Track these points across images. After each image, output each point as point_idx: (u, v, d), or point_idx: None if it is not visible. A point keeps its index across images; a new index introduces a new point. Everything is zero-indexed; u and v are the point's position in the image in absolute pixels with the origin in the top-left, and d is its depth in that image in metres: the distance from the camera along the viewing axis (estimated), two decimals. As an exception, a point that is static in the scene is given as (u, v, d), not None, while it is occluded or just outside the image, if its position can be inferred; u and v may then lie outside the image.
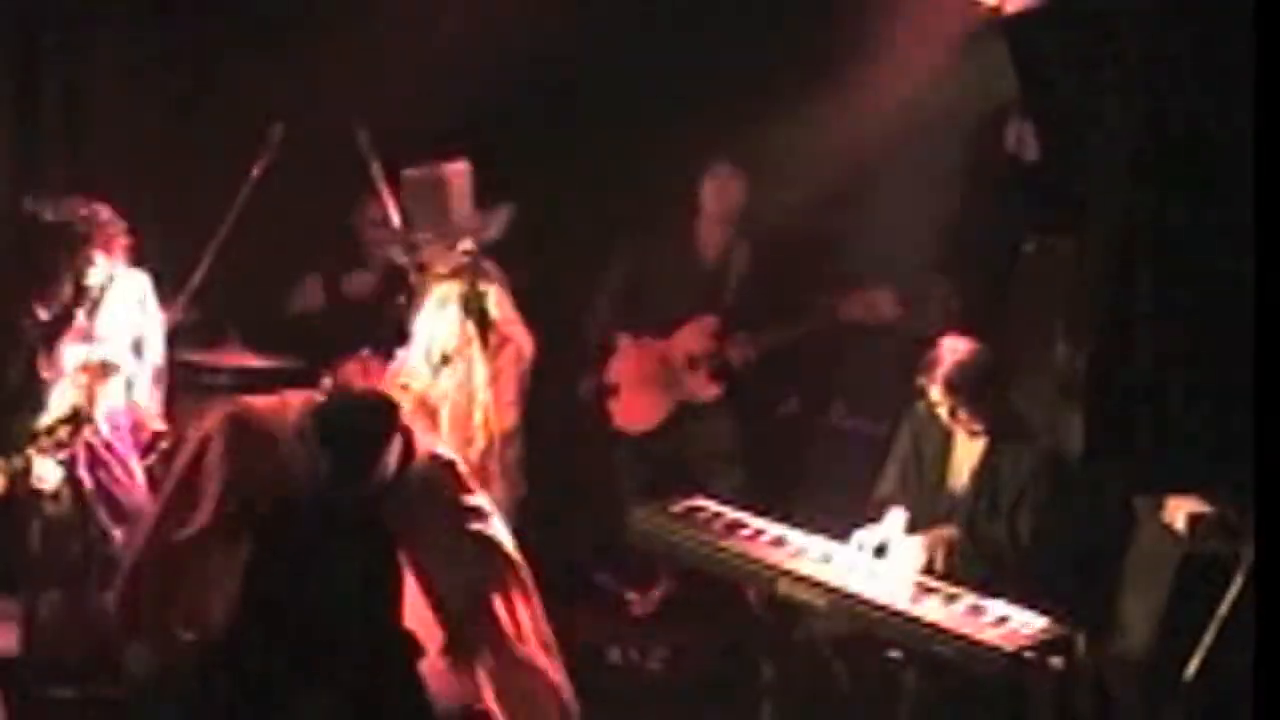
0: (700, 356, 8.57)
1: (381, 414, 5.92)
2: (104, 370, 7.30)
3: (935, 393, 6.87)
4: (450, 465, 6.12)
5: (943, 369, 6.82)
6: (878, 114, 8.37)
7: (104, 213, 7.37)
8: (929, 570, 6.71)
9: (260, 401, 6.33)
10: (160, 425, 7.55)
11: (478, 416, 7.68)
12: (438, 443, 6.24)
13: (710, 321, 8.59)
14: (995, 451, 6.88)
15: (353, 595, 5.17)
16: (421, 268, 7.86)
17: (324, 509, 5.50)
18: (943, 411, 6.89)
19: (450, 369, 7.70)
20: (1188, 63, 7.04)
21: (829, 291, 8.50)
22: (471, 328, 7.64)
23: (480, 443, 7.69)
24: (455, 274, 7.81)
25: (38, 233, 7.33)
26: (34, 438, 6.64)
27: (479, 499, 6.13)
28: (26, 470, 6.89)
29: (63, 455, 7.01)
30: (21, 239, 7.86)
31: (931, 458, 7.04)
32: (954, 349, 6.85)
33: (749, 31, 8.85)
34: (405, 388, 7.84)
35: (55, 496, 7.18)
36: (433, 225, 7.75)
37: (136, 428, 7.49)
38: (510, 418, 7.91)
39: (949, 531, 6.79)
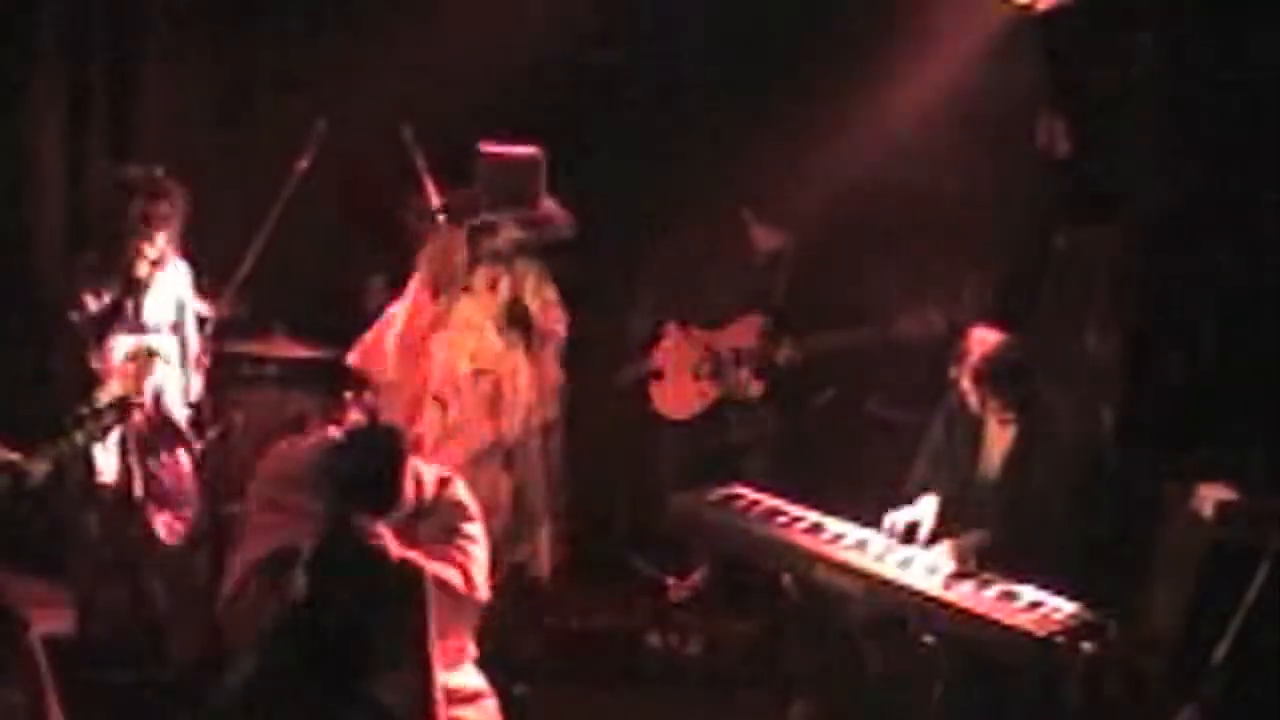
0: (746, 353, 8.62)
1: (391, 448, 6.07)
2: (150, 357, 7.43)
3: (965, 383, 6.93)
4: (459, 504, 6.27)
5: (971, 360, 6.87)
6: (912, 111, 8.44)
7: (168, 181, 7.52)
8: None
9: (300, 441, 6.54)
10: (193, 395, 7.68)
11: (518, 415, 7.85)
12: (452, 481, 6.35)
13: (758, 320, 8.63)
14: (1026, 440, 6.91)
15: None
16: (481, 238, 8.01)
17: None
18: (973, 401, 6.96)
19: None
20: (1218, 57, 7.13)
21: (879, 306, 8.54)
22: (516, 337, 7.80)
23: (517, 431, 7.85)
24: (498, 258, 7.94)
25: (114, 195, 7.45)
26: (79, 422, 6.71)
27: (474, 528, 6.26)
28: (74, 456, 6.99)
29: (111, 438, 7.14)
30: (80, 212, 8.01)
31: (964, 446, 7.08)
32: (983, 340, 6.89)
33: (785, 26, 8.93)
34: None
35: (112, 485, 7.31)
36: (509, 203, 7.84)
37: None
38: (554, 406, 8.02)
39: (978, 536, 6.82)
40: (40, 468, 6.57)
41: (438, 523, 6.14)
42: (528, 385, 7.85)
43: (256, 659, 5.92)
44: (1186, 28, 7.16)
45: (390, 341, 7.84)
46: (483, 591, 6.13)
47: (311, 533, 5.90)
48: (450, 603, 5.99)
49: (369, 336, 7.87)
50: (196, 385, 7.75)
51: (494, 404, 7.94)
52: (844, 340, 8.56)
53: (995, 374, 6.85)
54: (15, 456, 6.60)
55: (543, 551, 8.03)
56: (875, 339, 8.45)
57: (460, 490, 6.28)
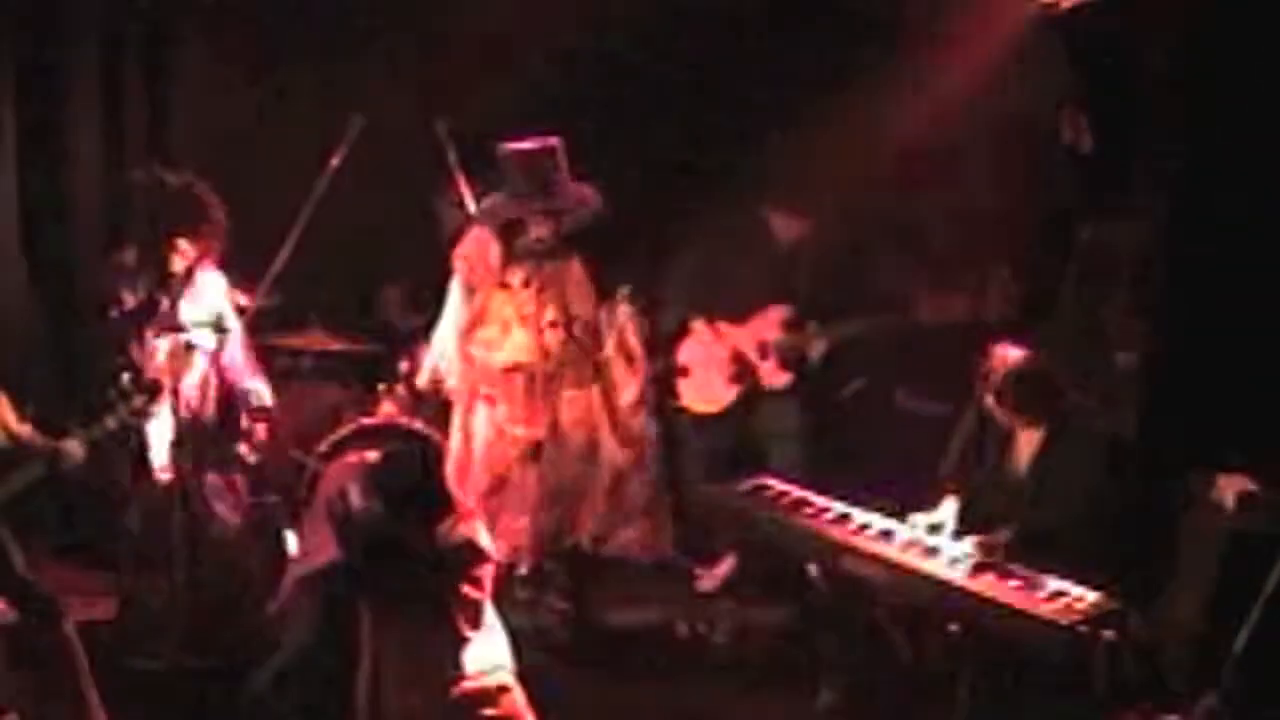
0: (771, 345, 8.63)
1: (427, 464, 6.27)
2: (188, 353, 7.49)
3: (989, 400, 6.96)
4: (477, 549, 6.33)
5: (994, 379, 6.90)
6: (938, 108, 8.45)
7: (204, 191, 7.56)
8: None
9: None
10: (267, 401, 7.68)
11: (564, 409, 7.97)
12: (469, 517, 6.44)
13: (783, 311, 8.64)
14: (1053, 439, 6.94)
15: None
16: (513, 231, 8.11)
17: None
18: (998, 415, 6.98)
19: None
20: (1240, 53, 7.17)
21: (902, 294, 8.57)
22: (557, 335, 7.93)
23: (565, 424, 7.97)
24: (531, 255, 8.04)
25: (146, 199, 7.52)
26: (110, 407, 6.78)
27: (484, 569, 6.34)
28: (107, 441, 7.05)
29: (146, 421, 7.16)
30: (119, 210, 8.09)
31: (994, 442, 7.12)
32: (1004, 358, 6.91)
33: (811, 21, 8.98)
34: (517, 366, 8.11)
35: (161, 477, 7.40)
36: (535, 193, 7.94)
37: (234, 408, 7.65)
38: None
39: (1004, 535, 6.83)
40: (74, 452, 6.66)
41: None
42: (571, 382, 7.96)
43: (293, 656, 6.06)
44: (1210, 21, 7.19)
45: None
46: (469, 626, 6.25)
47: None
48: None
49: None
50: (263, 390, 7.76)
51: (531, 400, 8.05)
52: (867, 327, 8.56)
53: (1019, 392, 6.88)
54: (43, 441, 6.71)
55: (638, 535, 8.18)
56: (898, 324, 8.46)
57: (476, 529, 6.36)
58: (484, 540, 6.28)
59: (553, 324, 8.01)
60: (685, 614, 8.41)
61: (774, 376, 8.67)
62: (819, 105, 8.61)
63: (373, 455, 6.43)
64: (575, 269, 8.12)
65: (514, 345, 8.10)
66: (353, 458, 6.63)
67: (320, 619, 6.15)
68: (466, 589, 6.15)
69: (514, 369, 8.10)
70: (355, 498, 6.13)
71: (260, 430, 7.65)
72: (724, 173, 8.85)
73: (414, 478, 6.15)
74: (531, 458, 8.01)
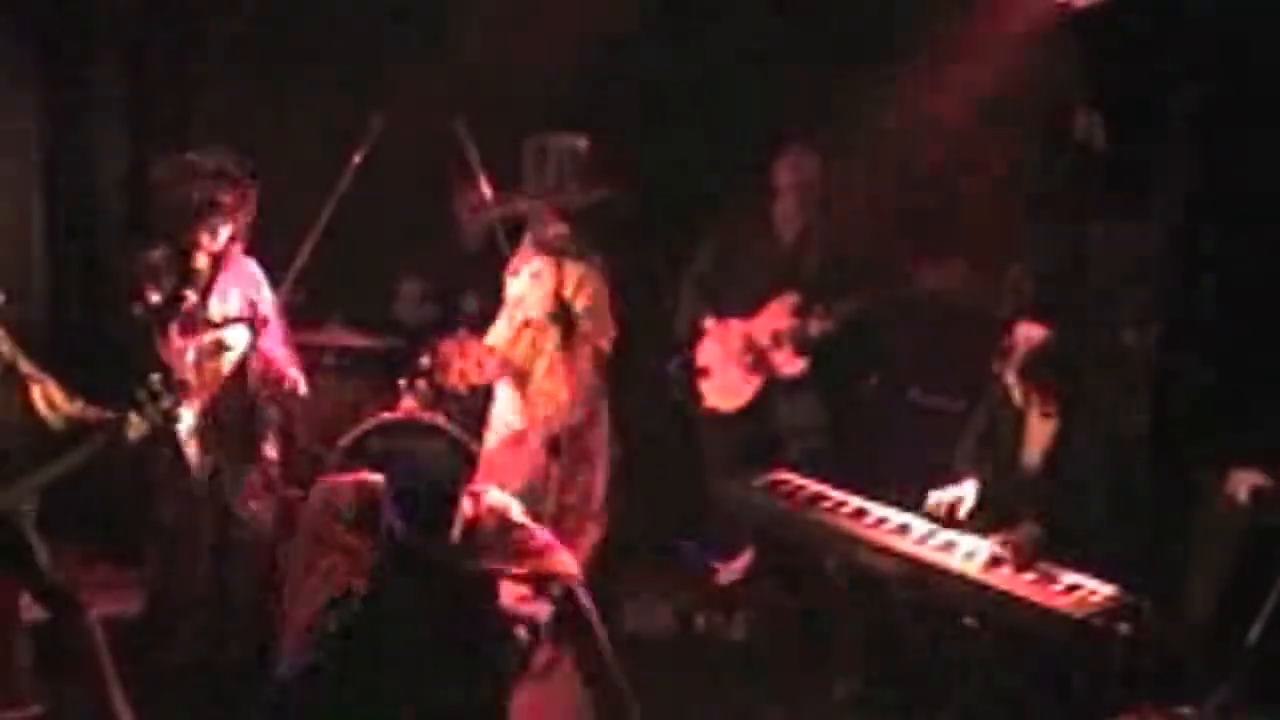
0: (784, 333, 8.66)
1: (446, 475, 6.16)
2: (218, 350, 7.48)
3: (1010, 377, 7.02)
4: (519, 525, 6.34)
5: (1017, 355, 6.96)
6: (952, 107, 8.51)
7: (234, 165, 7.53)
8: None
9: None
10: (303, 388, 7.65)
11: (542, 405, 8.02)
12: (509, 505, 6.41)
13: (791, 299, 8.66)
14: (1067, 431, 7.00)
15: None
16: (519, 222, 8.15)
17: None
18: (1017, 395, 7.05)
19: (533, 340, 8.00)
20: (1254, 53, 7.20)
21: (903, 263, 8.60)
22: (556, 336, 7.96)
23: (545, 422, 8.02)
24: (546, 250, 8.07)
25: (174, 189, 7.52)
26: (138, 408, 6.79)
27: (522, 518, 6.37)
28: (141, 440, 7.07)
29: (175, 422, 7.12)
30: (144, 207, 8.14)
31: (1006, 435, 7.17)
32: (1028, 336, 6.97)
33: (828, 20, 9.01)
34: (491, 350, 8.14)
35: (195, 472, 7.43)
36: (537, 185, 7.99)
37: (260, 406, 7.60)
38: (587, 407, 8.14)
39: (1033, 530, 6.86)
40: (138, 426, 6.63)
41: (488, 534, 6.25)
42: (555, 380, 7.99)
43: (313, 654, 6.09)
44: (1225, 20, 7.23)
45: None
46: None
47: (362, 570, 6.01)
48: None
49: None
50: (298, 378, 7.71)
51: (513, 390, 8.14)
52: (871, 300, 8.55)
53: (1041, 369, 6.93)
54: (101, 415, 6.70)
55: (584, 540, 8.19)
56: (902, 294, 8.49)
57: (494, 496, 6.38)
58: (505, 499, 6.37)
59: (525, 323, 8.07)
60: (704, 607, 8.47)
61: (789, 364, 8.71)
62: (832, 103, 8.66)
63: (374, 477, 6.30)
64: (584, 270, 8.13)
65: (497, 331, 8.19)
66: (347, 478, 6.56)
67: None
68: (523, 544, 6.24)
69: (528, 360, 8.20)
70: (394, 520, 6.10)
71: (276, 414, 7.64)
72: (737, 171, 8.89)
73: (430, 486, 6.12)
74: (542, 451, 8.06)
